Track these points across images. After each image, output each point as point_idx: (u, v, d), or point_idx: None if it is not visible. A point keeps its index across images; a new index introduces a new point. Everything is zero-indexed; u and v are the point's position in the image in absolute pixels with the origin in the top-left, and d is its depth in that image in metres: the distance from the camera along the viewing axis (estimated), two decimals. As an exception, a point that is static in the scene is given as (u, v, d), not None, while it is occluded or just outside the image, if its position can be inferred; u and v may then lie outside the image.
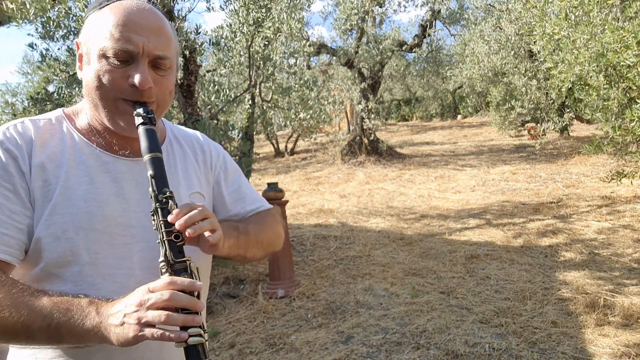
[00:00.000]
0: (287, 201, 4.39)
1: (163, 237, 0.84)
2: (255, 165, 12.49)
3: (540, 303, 3.42)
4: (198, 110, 4.70)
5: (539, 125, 9.35)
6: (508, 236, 5.08)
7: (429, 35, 11.54)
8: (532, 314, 3.26)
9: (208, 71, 6.54)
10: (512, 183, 7.76)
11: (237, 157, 4.98)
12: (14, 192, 0.87)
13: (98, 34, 0.89)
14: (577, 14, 3.67)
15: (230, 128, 4.92)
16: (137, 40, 0.88)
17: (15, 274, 0.90)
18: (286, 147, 15.26)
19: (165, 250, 0.83)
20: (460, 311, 3.41)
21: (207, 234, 0.89)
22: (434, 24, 11.49)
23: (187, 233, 0.83)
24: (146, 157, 0.87)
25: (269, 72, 5.12)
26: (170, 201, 0.86)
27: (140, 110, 0.89)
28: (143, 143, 0.88)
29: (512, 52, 8.54)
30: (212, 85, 4.99)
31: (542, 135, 9.47)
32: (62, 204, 0.89)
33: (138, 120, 0.89)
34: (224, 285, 4.39)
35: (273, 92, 5.65)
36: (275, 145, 15.18)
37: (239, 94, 5.38)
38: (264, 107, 5.84)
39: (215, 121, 4.97)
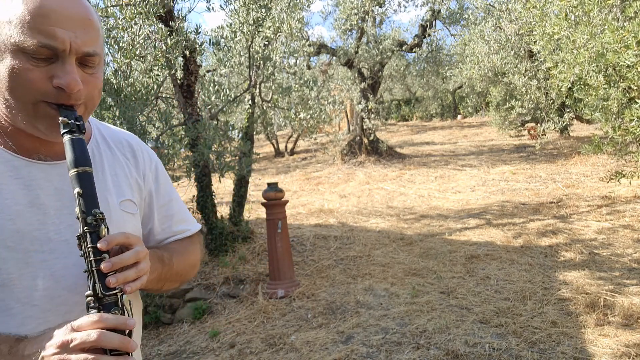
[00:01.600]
0: (287, 201, 4.39)
1: (92, 267, 0.73)
2: (255, 165, 12.49)
3: (540, 303, 3.42)
4: (198, 110, 4.70)
5: (539, 125, 9.35)
6: (508, 236, 5.08)
7: (429, 35, 11.54)
8: (532, 314, 3.26)
9: (208, 71, 6.54)
10: (512, 183, 7.76)
11: (237, 157, 4.98)
12: None
13: (11, 24, 0.74)
14: (577, 14, 3.67)
15: (230, 128, 4.93)
16: (62, 35, 0.75)
17: None
18: (286, 147, 15.26)
19: (94, 282, 0.73)
20: (460, 311, 3.41)
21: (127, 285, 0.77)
22: (434, 24, 11.49)
23: (107, 281, 0.73)
24: (72, 171, 0.75)
25: (269, 72, 5.12)
26: (101, 224, 0.75)
27: (66, 117, 0.76)
28: (69, 155, 0.75)
29: (512, 52, 8.54)
30: (212, 85, 4.99)
31: (542, 135, 9.47)
32: None
33: (64, 128, 0.76)
34: (224, 285, 4.40)
35: (273, 92, 5.65)
36: (275, 145, 15.18)
37: (239, 94, 5.38)
38: (264, 107, 5.84)
39: (215, 121, 4.97)
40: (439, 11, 11.00)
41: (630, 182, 4.88)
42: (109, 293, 0.73)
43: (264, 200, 4.28)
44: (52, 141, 0.82)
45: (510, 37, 8.15)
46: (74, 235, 0.77)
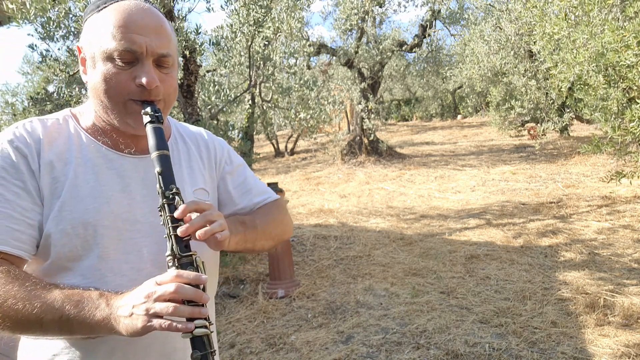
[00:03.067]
0: (287, 201, 4.39)
1: (170, 232, 0.86)
2: (255, 165, 12.48)
3: (540, 303, 3.42)
4: (198, 110, 4.70)
5: (538, 125, 9.36)
6: (508, 236, 5.08)
7: (429, 35, 11.54)
8: (532, 314, 3.26)
9: (208, 71, 6.53)
10: (512, 183, 7.76)
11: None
12: (24, 189, 0.90)
13: (100, 37, 0.91)
14: (577, 13, 3.67)
15: (230, 128, 4.92)
16: (140, 40, 0.90)
17: (28, 268, 0.93)
18: (286, 147, 15.26)
19: (172, 245, 0.85)
20: (460, 311, 3.41)
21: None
22: (434, 24, 11.49)
23: (197, 235, 0.86)
24: (154, 154, 0.89)
25: (269, 72, 5.12)
26: (176, 197, 0.88)
27: (148, 109, 0.91)
28: (151, 141, 0.90)
29: (512, 52, 8.54)
30: (212, 85, 4.99)
31: (542, 135, 9.47)
32: (70, 201, 0.91)
33: (146, 118, 0.91)
34: (224, 285, 4.39)
35: (273, 92, 5.65)
36: (275, 145, 15.18)
37: (239, 94, 5.38)
38: (264, 107, 5.84)
39: (215, 121, 4.97)
40: (439, 11, 11.00)
41: (630, 182, 4.88)
42: (185, 254, 0.85)
43: (264, 200, 4.28)
44: (140, 137, 0.97)
45: (510, 37, 8.15)
46: (156, 218, 0.91)
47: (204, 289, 0.83)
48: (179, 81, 4.52)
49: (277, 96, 5.60)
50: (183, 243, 0.86)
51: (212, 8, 4.70)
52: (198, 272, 0.85)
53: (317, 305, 3.77)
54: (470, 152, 11.58)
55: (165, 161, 0.90)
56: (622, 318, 3.09)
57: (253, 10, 4.49)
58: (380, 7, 10.78)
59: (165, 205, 0.88)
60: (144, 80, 0.90)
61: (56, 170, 0.92)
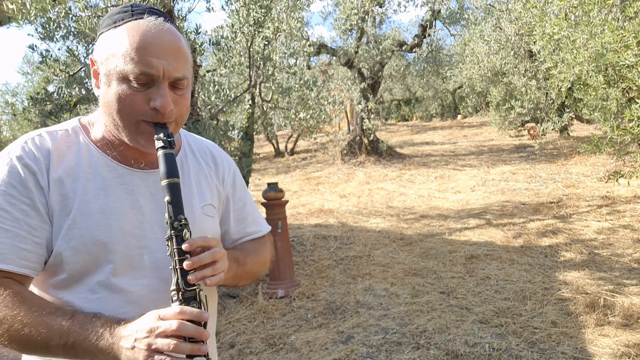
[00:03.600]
0: (287, 201, 4.39)
1: (176, 265, 0.87)
2: (255, 165, 12.49)
3: (540, 303, 3.42)
4: (198, 110, 4.70)
5: (538, 125, 9.36)
6: (508, 236, 5.08)
7: (429, 35, 11.54)
8: (532, 314, 3.26)
9: (208, 71, 6.53)
10: (512, 183, 7.76)
11: (237, 158, 4.98)
12: (32, 207, 0.89)
13: (117, 56, 0.90)
14: (577, 13, 3.67)
15: (230, 128, 4.92)
16: (157, 64, 0.89)
17: (35, 281, 0.94)
18: (286, 147, 15.26)
19: (177, 278, 0.86)
20: (460, 311, 3.41)
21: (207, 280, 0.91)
22: (434, 24, 11.49)
23: (188, 279, 0.86)
24: (164, 182, 0.89)
25: (269, 72, 5.12)
26: (184, 229, 0.88)
27: (161, 135, 0.90)
28: (162, 167, 0.89)
29: (512, 52, 8.54)
30: (212, 85, 4.98)
31: (542, 135, 9.47)
32: (80, 218, 0.91)
33: (158, 144, 0.90)
34: (223, 285, 4.39)
35: (273, 92, 5.65)
36: (275, 145, 15.18)
37: (239, 94, 5.38)
38: (264, 107, 5.84)
39: (215, 121, 4.97)
40: (439, 11, 11.00)
41: (628, 183, 4.88)
42: (189, 289, 0.86)
43: (264, 200, 4.28)
44: (148, 152, 0.95)
45: (510, 37, 8.15)
46: (164, 233, 0.90)
47: (205, 325, 0.85)
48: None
49: (277, 96, 5.60)
50: (188, 276, 0.87)
51: (212, 8, 4.69)
52: (201, 307, 0.87)
53: (317, 305, 3.77)
54: (470, 152, 11.58)
55: (175, 190, 0.89)
56: (622, 318, 3.09)
57: (253, 10, 4.49)
58: (380, 7, 10.78)
59: (173, 237, 0.88)
60: (159, 104, 0.90)
61: (65, 187, 0.92)
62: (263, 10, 4.47)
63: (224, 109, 5.07)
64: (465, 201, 6.99)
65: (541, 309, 3.32)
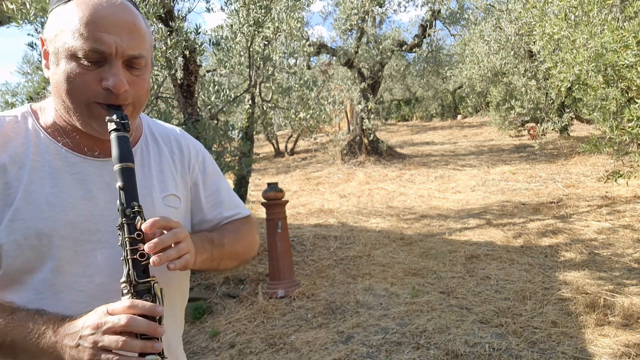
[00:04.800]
0: (287, 201, 4.39)
1: (127, 255, 0.80)
2: (255, 165, 12.49)
3: (540, 303, 3.43)
4: (198, 110, 4.70)
5: (538, 125, 9.36)
6: (508, 236, 5.08)
7: (429, 35, 11.54)
8: (532, 314, 3.26)
9: (208, 71, 6.54)
10: (512, 183, 7.76)
11: (237, 157, 4.98)
12: None
13: (66, 32, 0.83)
14: (576, 14, 3.67)
15: (230, 128, 4.92)
16: (108, 39, 0.82)
17: None
18: (286, 147, 15.26)
19: (129, 270, 0.79)
20: (460, 311, 3.41)
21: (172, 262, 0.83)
22: (434, 24, 11.49)
23: (151, 261, 0.79)
24: (116, 166, 0.82)
25: (269, 72, 5.12)
26: (138, 216, 0.81)
27: (114, 116, 0.83)
28: (114, 151, 0.82)
29: (512, 52, 8.54)
30: (212, 85, 4.98)
31: (542, 135, 9.47)
32: (24, 209, 0.84)
33: (111, 126, 0.83)
34: (224, 285, 4.40)
35: (273, 92, 5.65)
36: (275, 145, 15.18)
37: (239, 94, 5.38)
38: (264, 107, 5.84)
39: (215, 121, 4.97)
40: (439, 11, 11.00)
41: (627, 183, 4.88)
42: (142, 280, 0.79)
43: (264, 200, 4.28)
44: (105, 139, 0.87)
45: (510, 37, 8.15)
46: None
47: (160, 320, 0.78)
48: (179, 81, 4.52)
49: (277, 96, 5.60)
50: (141, 267, 0.79)
51: (212, 8, 4.70)
52: (155, 301, 0.80)
53: (317, 305, 3.77)
54: (470, 152, 11.58)
55: (128, 175, 0.82)
56: (622, 318, 3.09)
57: (253, 10, 4.49)
58: (380, 7, 10.78)
59: (125, 225, 0.80)
60: (111, 83, 0.82)
61: (9, 175, 0.85)
62: (263, 10, 4.47)
63: (224, 109, 5.07)
64: (465, 201, 6.99)
65: (541, 309, 3.32)
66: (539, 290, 3.64)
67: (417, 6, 16.25)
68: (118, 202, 0.82)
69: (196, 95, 4.65)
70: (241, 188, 5.52)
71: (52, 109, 0.92)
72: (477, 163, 9.91)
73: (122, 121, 0.83)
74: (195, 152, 1.10)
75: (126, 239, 0.80)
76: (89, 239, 0.88)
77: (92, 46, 0.81)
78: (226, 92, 4.89)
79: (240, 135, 5.47)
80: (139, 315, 0.76)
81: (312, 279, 4.35)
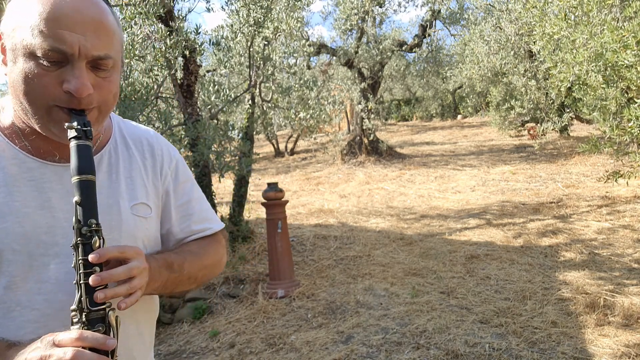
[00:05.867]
0: (287, 201, 4.39)
1: (79, 279, 0.72)
2: (255, 165, 12.50)
3: (540, 303, 3.43)
4: (198, 110, 4.70)
5: (538, 125, 9.36)
6: (508, 236, 5.08)
7: (429, 35, 11.54)
8: (532, 314, 3.26)
9: (208, 71, 6.54)
10: (512, 183, 7.76)
11: (237, 157, 4.98)
12: None
13: (24, 27, 0.75)
14: (576, 14, 3.68)
15: (230, 128, 4.92)
16: (71, 38, 0.74)
17: None
18: (286, 147, 15.26)
19: (80, 296, 0.72)
20: (460, 311, 3.41)
21: (120, 299, 0.76)
22: (434, 24, 11.49)
23: (95, 296, 0.72)
24: (74, 179, 0.74)
25: (269, 72, 5.12)
26: (95, 236, 0.74)
27: (74, 123, 0.75)
28: (73, 162, 0.75)
29: (512, 52, 8.54)
30: (212, 85, 4.99)
31: (542, 135, 9.47)
32: None
33: (71, 133, 0.75)
34: (224, 285, 4.40)
35: (273, 92, 5.66)
36: (275, 145, 15.18)
37: (239, 94, 5.39)
38: (264, 107, 5.84)
39: (215, 121, 4.97)
40: (439, 11, 11.00)
41: (627, 183, 4.88)
42: (95, 308, 0.72)
43: (264, 200, 4.28)
44: (66, 144, 0.80)
45: (510, 37, 8.16)
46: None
47: (112, 354, 0.72)
48: (179, 81, 4.52)
49: (277, 96, 5.60)
50: (95, 293, 0.72)
51: (212, 8, 4.70)
52: (109, 331, 0.73)
53: (317, 305, 3.77)
54: (470, 152, 11.58)
55: (87, 188, 0.74)
56: (622, 318, 3.09)
57: (253, 10, 4.49)
58: (380, 7, 10.78)
59: (80, 245, 0.73)
60: (72, 86, 0.75)
61: None
62: (263, 10, 4.47)
63: (224, 109, 5.08)
64: (465, 201, 6.99)
65: (541, 309, 3.32)
66: (539, 290, 3.64)
67: (417, 6, 16.29)
68: (74, 218, 0.74)
69: (196, 95, 4.65)
70: (241, 188, 5.52)
71: (10, 108, 0.84)
72: (477, 163, 9.91)
73: (84, 128, 0.76)
74: (168, 158, 1.02)
75: (80, 260, 0.73)
76: (46, 252, 0.80)
77: (53, 45, 0.73)
78: (226, 92, 4.90)
79: (240, 135, 5.48)
80: (89, 349, 0.69)
81: (312, 279, 4.35)
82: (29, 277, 0.79)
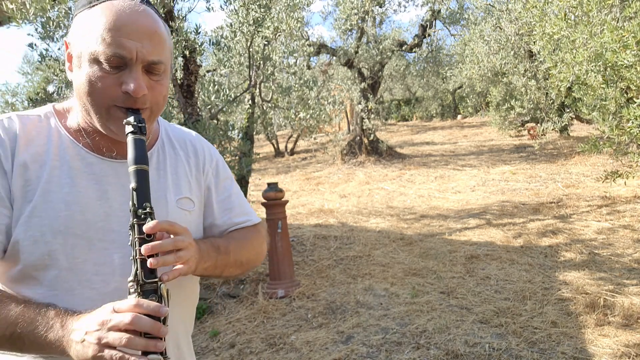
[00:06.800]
0: (287, 201, 4.39)
1: (136, 255, 0.82)
2: (255, 165, 12.49)
3: (540, 303, 3.43)
4: (198, 110, 4.70)
5: (538, 125, 9.36)
6: (508, 236, 5.08)
7: (429, 35, 11.54)
8: (532, 314, 3.26)
9: (208, 71, 6.54)
10: (512, 183, 7.76)
11: (237, 157, 4.98)
12: None
13: (89, 37, 0.86)
14: (576, 13, 3.67)
15: (230, 128, 4.92)
16: (130, 45, 0.85)
17: None
18: (286, 147, 15.26)
19: (136, 269, 0.81)
20: (460, 311, 3.41)
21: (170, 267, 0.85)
22: (434, 24, 11.49)
23: (148, 263, 0.81)
24: (131, 168, 0.85)
25: (269, 72, 5.12)
26: (149, 217, 0.83)
27: (130, 119, 0.86)
28: (130, 153, 0.85)
29: (512, 52, 8.54)
30: (212, 85, 4.99)
31: (542, 135, 9.47)
32: (41, 206, 0.87)
33: (128, 129, 0.86)
34: (224, 285, 4.40)
35: (273, 92, 5.66)
36: (275, 145, 15.18)
37: (239, 94, 5.38)
38: (264, 107, 5.84)
39: (215, 121, 4.97)
40: (439, 11, 11.00)
41: (625, 183, 4.87)
42: (149, 280, 0.81)
43: (264, 200, 4.28)
44: (122, 141, 0.89)
45: (510, 37, 8.16)
46: None
47: (164, 321, 0.80)
48: (179, 81, 4.53)
49: (277, 96, 5.60)
50: (149, 268, 0.81)
51: (212, 8, 4.70)
52: (161, 301, 0.81)
53: (317, 305, 3.77)
54: (470, 152, 11.58)
55: (142, 176, 0.84)
56: (622, 318, 3.09)
57: (252, 10, 4.49)
58: (380, 7, 10.78)
59: (136, 225, 0.83)
60: (130, 87, 0.85)
61: (30, 172, 0.88)
62: (262, 10, 4.47)
63: (224, 109, 5.07)
64: (465, 201, 6.99)
65: (541, 309, 3.32)
66: (539, 291, 3.64)
67: (417, 6, 16.28)
68: (130, 202, 0.84)
69: (196, 95, 4.65)
70: (241, 188, 5.52)
71: (75, 110, 0.96)
72: (477, 163, 9.91)
73: (139, 124, 0.86)
74: (209, 157, 1.13)
75: (136, 239, 0.82)
76: (103, 238, 0.90)
77: (114, 51, 0.85)
78: (226, 92, 4.89)
79: (240, 135, 5.48)
80: (144, 315, 0.77)
81: (312, 279, 4.35)
82: (88, 260, 0.89)
